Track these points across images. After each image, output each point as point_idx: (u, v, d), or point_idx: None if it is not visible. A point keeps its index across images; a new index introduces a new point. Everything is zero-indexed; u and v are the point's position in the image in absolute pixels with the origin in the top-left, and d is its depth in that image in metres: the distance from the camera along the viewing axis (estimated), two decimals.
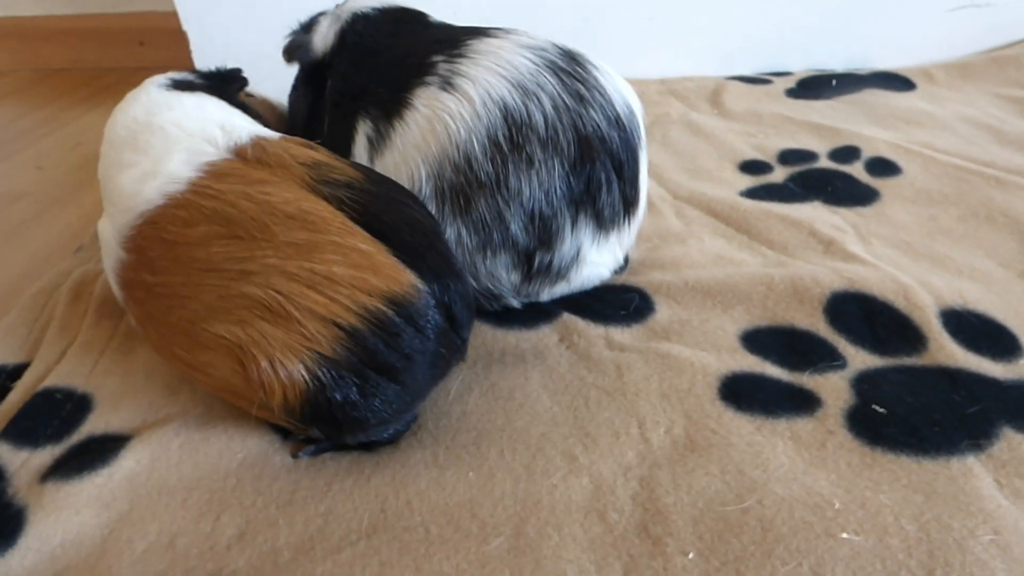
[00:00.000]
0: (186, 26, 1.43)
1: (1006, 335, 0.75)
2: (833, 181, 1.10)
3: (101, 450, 0.67)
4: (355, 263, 0.58)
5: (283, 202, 0.60)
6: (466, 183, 0.71)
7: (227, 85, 0.87)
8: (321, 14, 0.93)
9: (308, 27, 0.93)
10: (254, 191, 0.61)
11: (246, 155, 0.67)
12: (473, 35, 0.77)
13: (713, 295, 0.85)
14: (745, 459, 0.63)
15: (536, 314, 0.85)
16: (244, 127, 0.72)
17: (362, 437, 0.63)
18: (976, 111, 1.33)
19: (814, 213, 1.02)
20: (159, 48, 1.86)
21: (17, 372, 0.80)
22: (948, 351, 0.72)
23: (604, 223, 0.78)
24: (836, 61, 1.58)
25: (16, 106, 1.72)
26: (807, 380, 0.72)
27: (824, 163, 1.16)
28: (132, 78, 0.98)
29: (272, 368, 0.55)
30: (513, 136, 0.70)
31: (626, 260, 0.93)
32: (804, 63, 1.59)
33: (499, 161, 0.70)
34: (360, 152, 0.80)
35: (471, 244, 0.75)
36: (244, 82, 0.91)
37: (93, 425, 0.72)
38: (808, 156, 1.18)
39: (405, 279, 0.59)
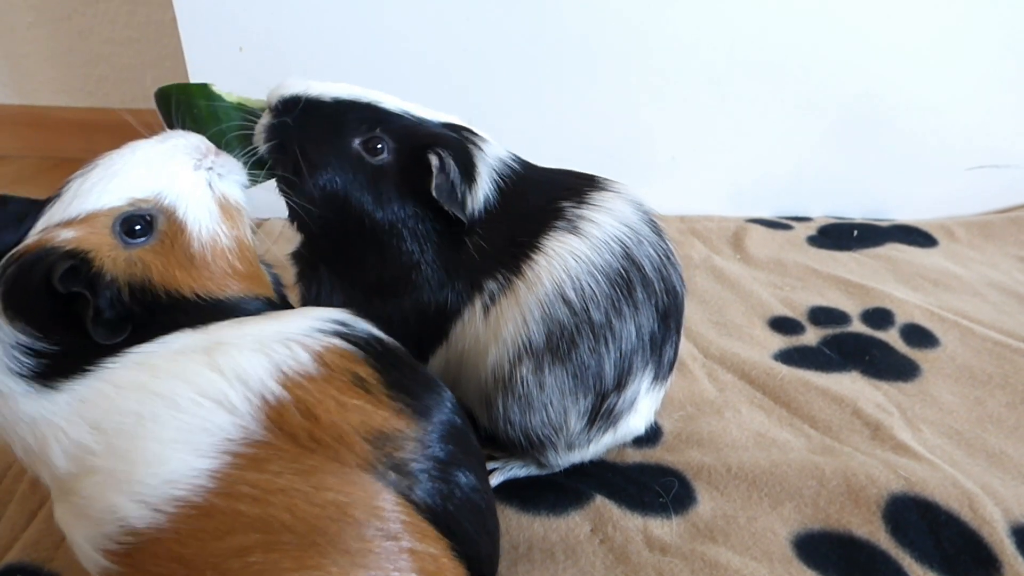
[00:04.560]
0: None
1: None
2: (870, 349, 1.05)
3: None
4: (424, 569, 0.51)
5: (353, 502, 0.49)
6: (575, 325, 0.69)
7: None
8: (472, 157, 0.72)
9: (470, 176, 0.71)
10: (312, 488, 0.48)
11: (289, 427, 0.49)
12: (590, 184, 0.77)
13: (759, 486, 0.78)
14: None
15: (565, 496, 0.77)
16: (252, 356, 0.51)
17: None
18: (1002, 275, 1.31)
19: (855, 387, 0.96)
20: None
21: None
22: None
23: (658, 375, 0.77)
24: (854, 209, 1.58)
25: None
26: None
27: (858, 326, 1.11)
28: None
29: None
30: (629, 276, 0.70)
31: (655, 428, 0.87)
32: (822, 209, 1.59)
33: (613, 301, 0.70)
34: (476, 310, 0.72)
35: (563, 390, 0.71)
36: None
37: None
38: (840, 317, 1.14)
39: None
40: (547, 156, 1.56)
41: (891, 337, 1.08)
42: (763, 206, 1.58)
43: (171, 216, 0.58)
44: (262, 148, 0.69)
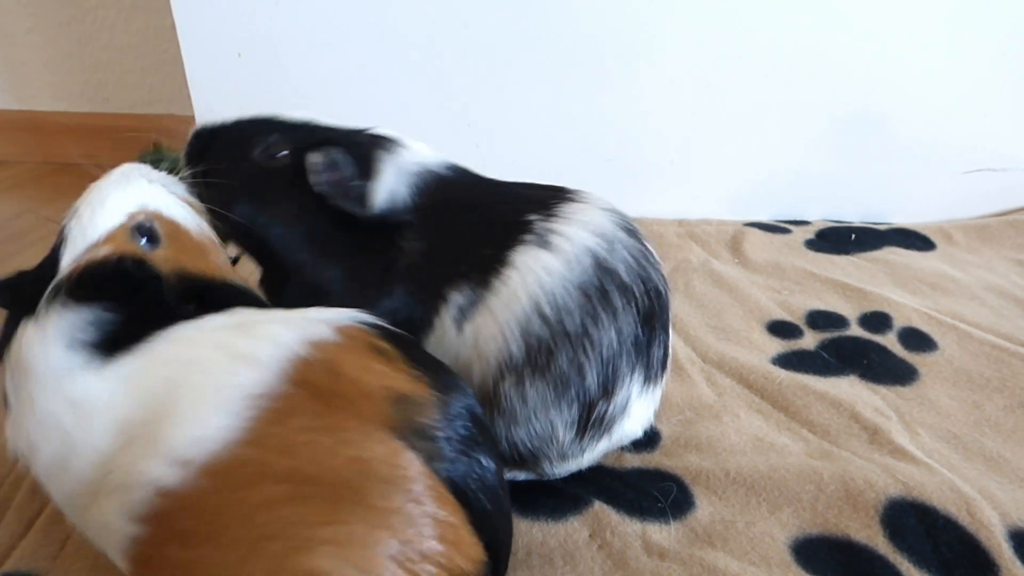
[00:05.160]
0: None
1: None
2: (868, 353, 1.05)
3: None
4: (444, 537, 0.51)
5: (377, 459, 0.50)
6: (552, 337, 0.69)
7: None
8: (372, 154, 0.74)
9: (366, 171, 0.73)
10: (338, 442, 0.49)
11: (313, 382, 0.51)
12: (557, 196, 0.77)
13: (757, 491, 0.78)
14: None
15: (564, 502, 0.77)
16: (281, 326, 0.55)
17: None
18: (999, 279, 1.31)
19: (853, 391, 0.97)
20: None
21: None
22: None
23: (649, 377, 0.76)
24: (852, 212, 1.59)
25: (20, 201, 1.67)
26: None
27: (855, 330, 1.12)
28: None
29: None
30: (603, 285, 0.71)
31: (653, 433, 0.87)
32: (820, 212, 1.59)
33: (588, 311, 0.70)
34: (446, 322, 0.73)
35: (546, 402, 0.71)
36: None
37: None
38: (838, 321, 1.14)
39: (478, 555, 0.54)
40: (545, 161, 1.57)
41: (889, 341, 1.09)
42: (761, 210, 1.58)
43: (162, 218, 0.65)
44: (185, 173, 0.74)
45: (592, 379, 0.71)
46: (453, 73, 1.41)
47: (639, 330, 0.73)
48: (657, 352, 0.77)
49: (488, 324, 0.71)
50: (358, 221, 0.73)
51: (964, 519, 0.73)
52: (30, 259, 1.44)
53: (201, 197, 0.73)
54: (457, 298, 0.72)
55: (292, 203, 0.73)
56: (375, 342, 0.56)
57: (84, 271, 0.58)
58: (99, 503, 0.53)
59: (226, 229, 0.73)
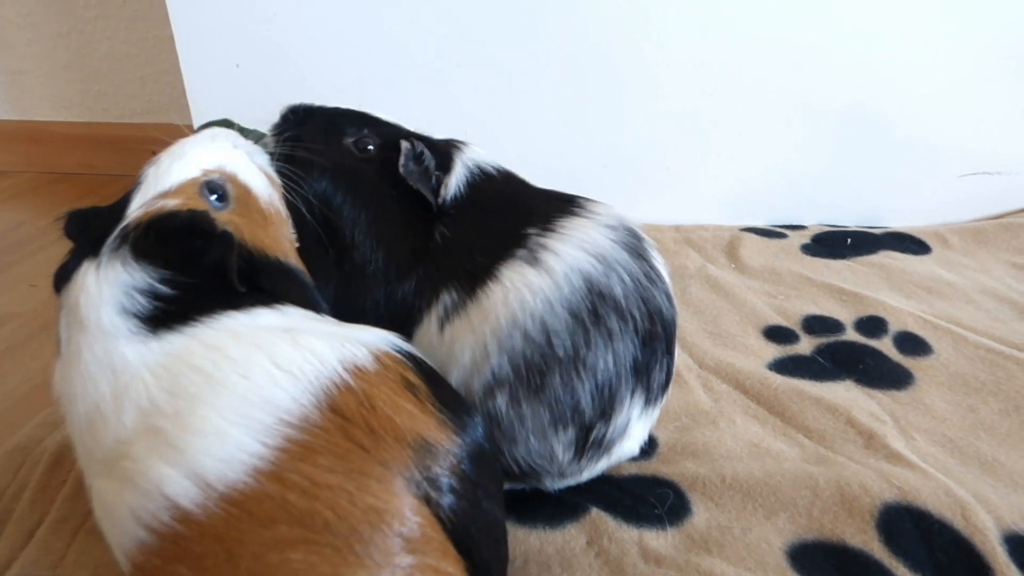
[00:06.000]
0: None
1: None
2: (864, 358, 1.06)
3: None
4: None
5: (391, 512, 0.49)
6: (542, 359, 0.69)
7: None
8: (449, 151, 0.80)
9: (445, 164, 0.78)
10: (356, 489, 0.48)
11: (346, 414, 0.50)
12: (563, 209, 0.77)
13: (753, 497, 0.79)
14: None
15: (561, 509, 0.78)
16: (324, 342, 0.54)
17: None
18: (995, 282, 1.32)
19: (848, 396, 0.97)
20: None
21: None
22: None
23: (650, 398, 0.75)
24: (848, 217, 1.59)
25: (19, 211, 1.68)
26: None
27: (851, 335, 1.12)
28: None
29: None
30: (596, 308, 0.69)
31: (650, 440, 0.88)
32: (816, 217, 1.60)
33: (579, 334, 0.69)
34: (432, 320, 0.74)
35: (542, 423, 0.70)
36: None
37: None
38: (834, 326, 1.15)
39: None
40: (542, 167, 1.57)
41: (884, 345, 1.09)
42: (757, 215, 1.59)
43: (236, 181, 0.66)
44: (269, 140, 0.79)
45: (587, 402, 0.70)
46: (449, 81, 1.42)
47: (639, 353, 0.71)
48: (659, 376, 0.75)
49: (464, 332, 0.71)
50: (417, 213, 0.77)
51: (959, 523, 0.74)
52: (31, 268, 1.45)
53: (282, 167, 0.76)
54: (445, 298, 0.73)
55: (370, 190, 0.78)
56: (407, 375, 0.56)
57: (153, 222, 0.59)
58: (109, 483, 0.52)
59: (295, 200, 0.76)
